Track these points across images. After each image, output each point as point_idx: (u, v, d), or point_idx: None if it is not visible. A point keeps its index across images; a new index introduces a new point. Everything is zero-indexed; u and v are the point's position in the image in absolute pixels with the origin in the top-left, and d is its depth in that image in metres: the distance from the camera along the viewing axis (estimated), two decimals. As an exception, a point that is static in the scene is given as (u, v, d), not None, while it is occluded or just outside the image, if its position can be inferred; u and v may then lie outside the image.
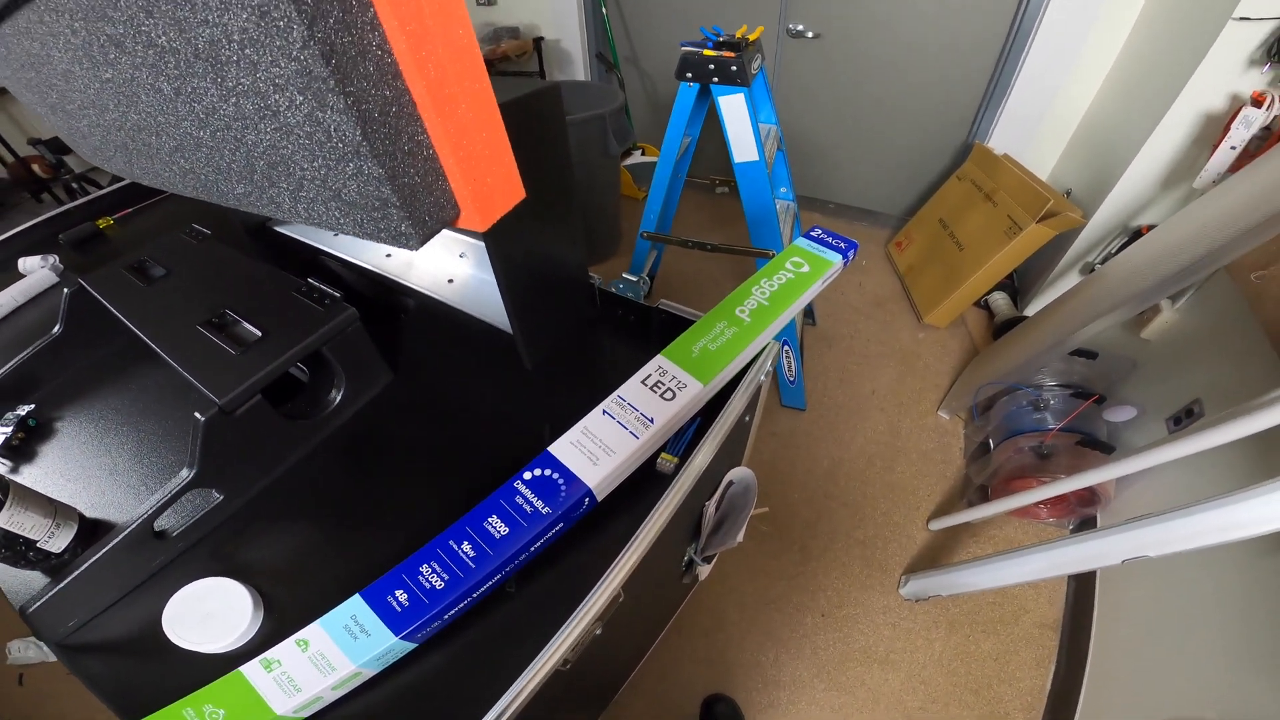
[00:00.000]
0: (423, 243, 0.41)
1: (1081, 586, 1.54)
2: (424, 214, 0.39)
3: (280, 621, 0.61)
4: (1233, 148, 1.49)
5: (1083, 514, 1.66)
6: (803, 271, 0.78)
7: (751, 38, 1.53)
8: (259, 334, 0.72)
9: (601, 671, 1.07)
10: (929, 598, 1.55)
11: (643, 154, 3.13)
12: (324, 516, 0.72)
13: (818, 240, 0.82)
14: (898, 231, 2.82)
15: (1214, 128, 1.62)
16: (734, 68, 1.40)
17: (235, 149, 0.43)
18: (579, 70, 3.19)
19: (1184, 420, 1.43)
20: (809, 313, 2.39)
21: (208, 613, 0.59)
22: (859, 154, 2.90)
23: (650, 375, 0.68)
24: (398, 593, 0.54)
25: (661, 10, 2.90)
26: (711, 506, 0.90)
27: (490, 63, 2.78)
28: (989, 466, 1.69)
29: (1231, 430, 0.96)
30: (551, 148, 0.64)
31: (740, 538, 0.97)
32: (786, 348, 1.85)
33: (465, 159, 0.38)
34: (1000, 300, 2.32)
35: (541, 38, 3.09)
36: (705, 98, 1.54)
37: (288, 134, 0.36)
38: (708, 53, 1.42)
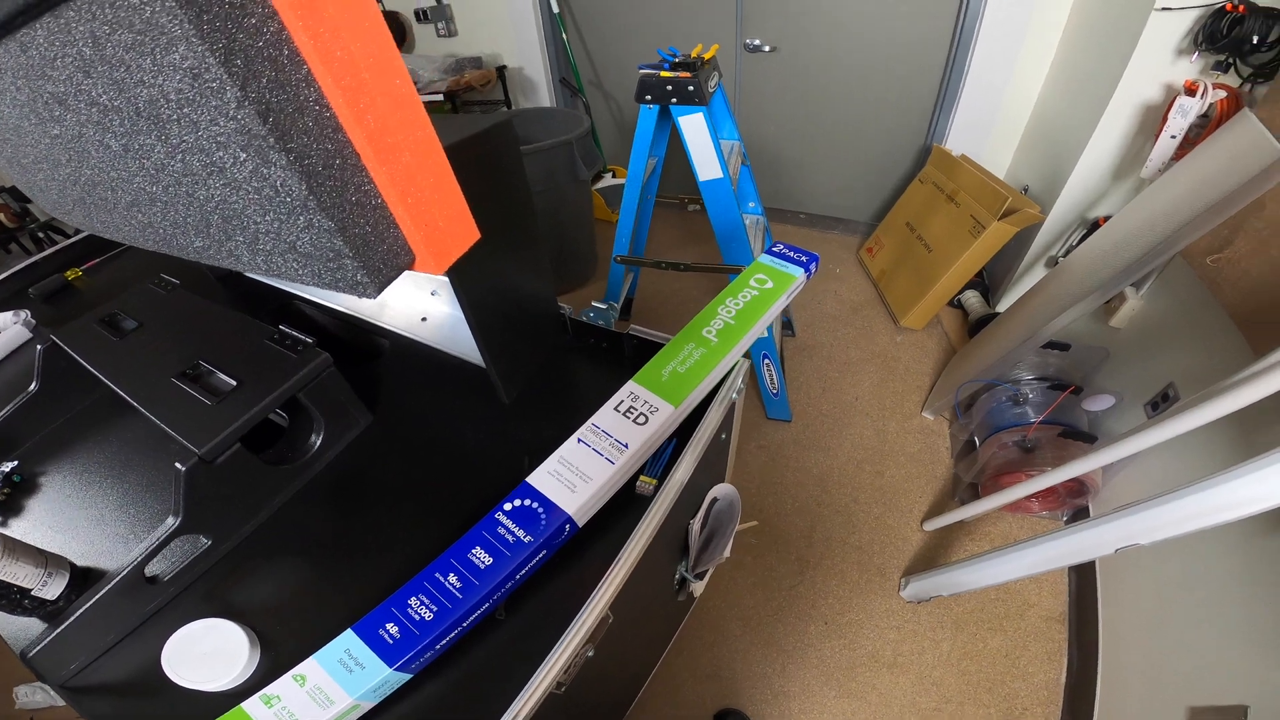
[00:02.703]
0: (379, 290, 0.41)
1: (1083, 578, 1.54)
2: (378, 262, 0.40)
3: (277, 658, 0.62)
4: (1173, 136, 1.52)
5: (1074, 505, 1.67)
6: (767, 288, 0.79)
7: (707, 56, 1.56)
8: (234, 383, 0.73)
9: (602, 693, 1.06)
10: (930, 598, 1.54)
11: (614, 176, 3.17)
12: (314, 555, 0.74)
13: (779, 255, 0.84)
14: (868, 237, 2.87)
15: (1154, 118, 1.66)
16: (690, 87, 1.42)
17: (189, 204, 0.43)
18: (544, 96, 3.23)
19: (1161, 405, 1.45)
20: (788, 324, 2.42)
21: (205, 652, 0.60)
22: (824, 163, 2.96)
23: (623, 401, 0.69)
24: (389, 625, 0.56)
25: (621, 33, 2.96)
26: (696, 524, 0.90)
27: (453, 93, 2.80)
28: (976, 464, 1.70)
29: (1207, 412, 0.98)
30: (508, 181, 0.65)
31: (728, 552, 0.97)
32: (768, 361, 1.87)
33: (414, 206, 0.38)
34: (973, 298, 2.35)
35: (505, 66, 3.13)
36: (667, 118, 1.57)
37: (236, 189, 0.36)
38: (664, 74, 1.44)
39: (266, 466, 0.76)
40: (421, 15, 3.09)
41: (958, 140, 2.49)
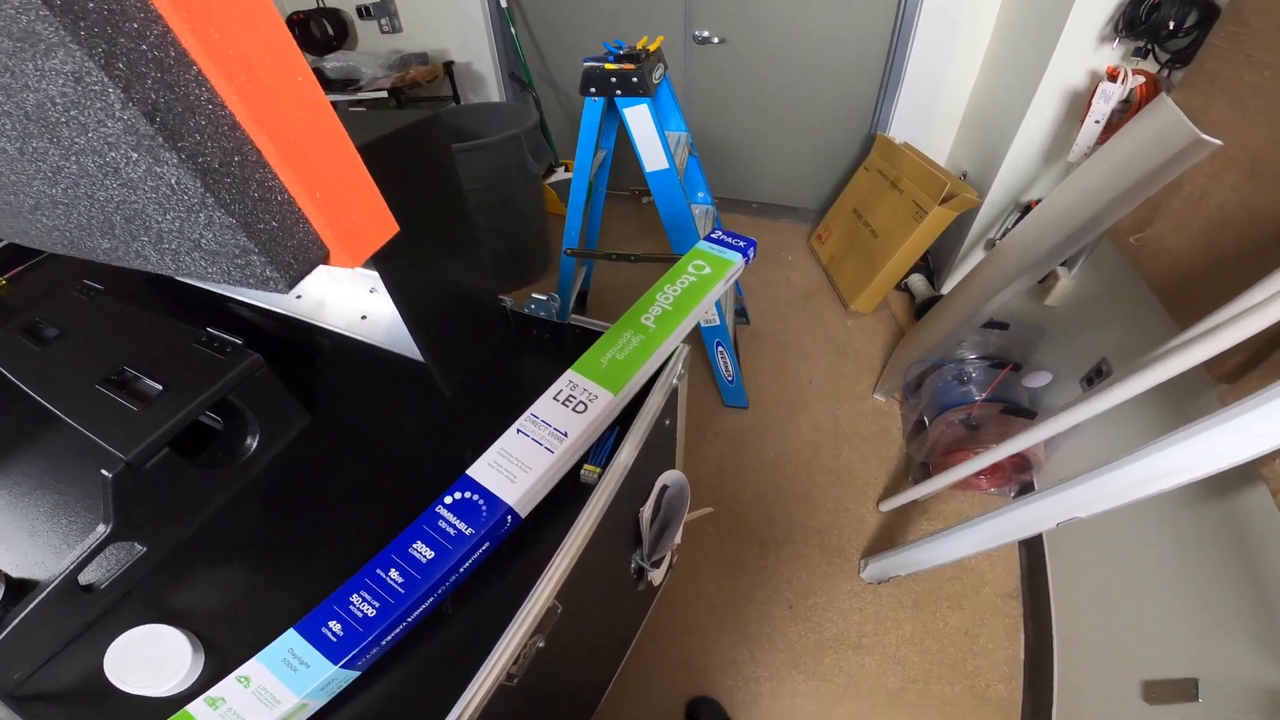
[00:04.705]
0: (291, 286, 0.41)
1: (1032, 553, 1.58)
2: (288, 257, 0.39)
3: (223, 662, 0.62)
4: (1096, 122, 1.59)
5: (1020, 481, 1.72)
6: (705, 273, 0.81)
7: (652, 48, 1.57)
8: (160, 388, 0.71)
9: (566, 683, 1.07)
10: (890, 578, 1.57)
11: (566, 170, 3.16)
12: (256, 557, 0.73)
13: (718, 241, 0.85)
14: (818, 225, 2.92)
15: (1079, 103, 1.73)
16: (635, 79, 1.43)
17: (90, 205, 0.42)
18: (493, 91, 3.19)
19: (1095, 380, 1.51)
20: (742, 312, 2.45)
21: (148, 658, 0.60)
22: (774, 152, 3.00)
23: (561, 390, 0.70)
24: (331, 624, 0.56)
25: (570, 27, 2.94)
26: (647, 511, 0.91)
27: (399, 90, 2.75)
28: (926, 443, 1.75)
29: (1134, 385, 1.03)
30: (437, 175, 0.65)
31: (678, 539, 0.99)
32: (721, 349, 1.89)
33: (324, 201, 0.38)
34: (918, 282, 2.43)
35: (452, 62, 3.08)
36: (614, 111, 1.57)
37: (134, 189, 0.36)
38: (609, 66, 1.44)
39: (199, 470, 0.74)
40: (364, 11, 3.02)
41: (900, 128, 2.56)
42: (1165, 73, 1.55)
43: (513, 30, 2.92)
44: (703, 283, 0.79)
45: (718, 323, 1.79)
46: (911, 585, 1.58)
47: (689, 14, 2.69)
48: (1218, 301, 1.03)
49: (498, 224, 2.41)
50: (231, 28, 0.31)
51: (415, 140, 0.59)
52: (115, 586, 0.68)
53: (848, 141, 2.81)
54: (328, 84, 2.86)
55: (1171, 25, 1.45)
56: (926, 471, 1.76)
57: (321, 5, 3.03)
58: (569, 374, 0.71)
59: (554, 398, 0.69)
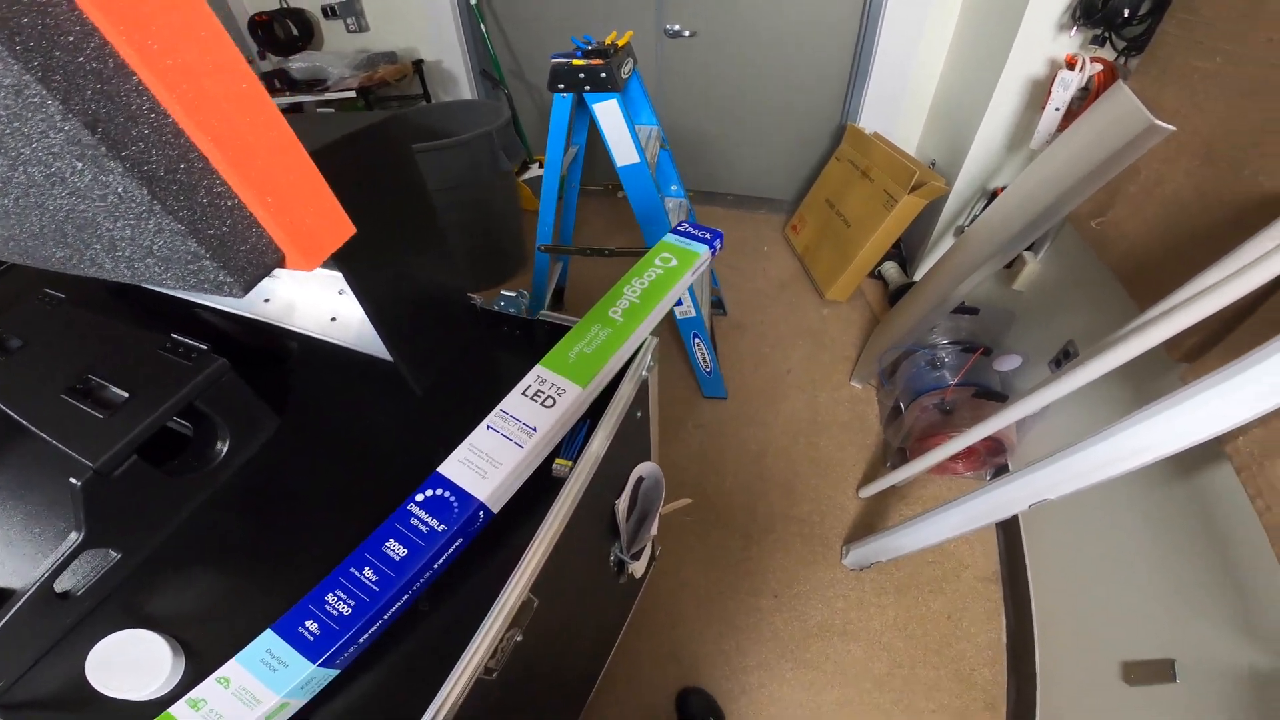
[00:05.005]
0: (245, 290, 0.42)
1: (1009, 536, 1.60)
2: (241, 262, 0.40)
3: (203, 665, 0.62)
4: (1056, 109, 1.61)
5: (995, 464, 1.74)
6: (671, 266, 0.82)
7: (620, 43, 1.57)
8: (126, 395, 0.71)
9: (549, 677, 1.08)
10: (871, 565, 1.59)
11: (540, 166, 3.15)
12: (232, 560, 0.74)
13: (684, 234, 0.86)
14: (792, 215, 2.95)
15: (1040, 92, 1.76)
16: (603, 74, 1.43)
17: (41, 215, 0.42)
18: (465, 89, 3.17)
19: (1063, 362, 1.54)
20: (719, 304, 2.47)
21: (128, 663, 0.60)
22: (747, 144, 3.02)
23: (530, 385, 0.70)
24: (308, 623, 0.56)
25: (540, 23, 2.93)
26: (623, 503, 0.92)
27: (367, 89, 2.72)
28: (903, 429, 1.77)
29: (1098, 366, 1.05)
30: (398, 176, 0.65)
31: (654, 530, 1.01)
32: (698, 340, 1.90)
33: (276, 205, 0.39)
34: (891, 269, 2.46)
35: (421, 60, 3.05)
36: (584, 107, 1.57)
37: (82, 198, 0.36)
38: (577, 62, 1.44)
39: (170, 477, 0.74)
40: (329, 11, 2.98)
41: (870, 118, 2.59)
42: (1122, 60, 1.57)
43: (483, 27, 2.90)
44: (669, 275, 0.80)
45: (693, 315, 1.81)
46: (893, 571, 1.59)
47: (660, 8, 2.70)
48: (1175, 284, 1.06)
49: (472, 222, 2.40)
50: (170, 38, 0.31)
51: (374, 142, 0.59)
52: (92, 593, 0.68)
53: (819, 132, 2.83)
54: (294, 85, 2.82)
55: (1126, 13, 1.48)
56: (904, 457, 1.78)
57: (285, 6, 2.99)
58: (537, 369, 0.72)
59: (523, 393, 0.70)
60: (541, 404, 0.68)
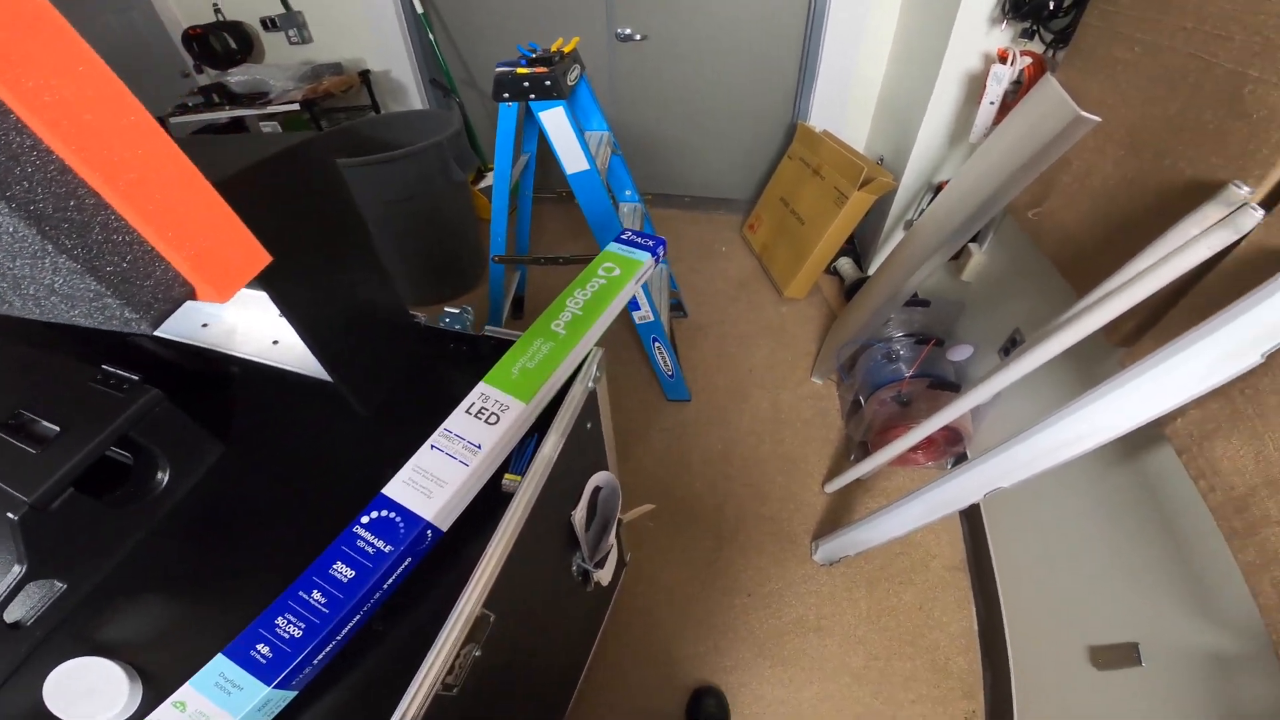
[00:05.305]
0: (156, 325, 0.41)
1: (973, 524, 1.62)
2: (146, 297, 0.39)
3: (160, 690, 0.62)
4: (991, 103, 1.65)
5: (954, 452, 1.77)
6: (614, 275, 0.82)
7: (566, 49, 1.56)
8: (57, 429, 0.70)
9: (521, 688, 1.07)
10: (840, 559, 1.60)
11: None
12: (184, 586, 0.74)
13: (628, 242, 0.87)
14: (749, 214, 2.98)
15: (977, 86, 1.79)
16: (548, 82, 1.42)
17: (-62, 255, 0.41)
18: (415, 99, 3.12)
19: (1011, 349, 1.57)
20: (679, 306, 2.48)
21: (86, 690, 0.61)
22: (703, 146, 3.04)
23: (474, 403, 0.70)
24: (259, 646, 0.56)
25: (491, 30, 2.90)
26: (579, 514, 0.92)
27: (311, 101, 2.66)
28: (863, 422, 1.79)
29: (1041, 354, 1.08)
30: (322, 197, 0.64)
31: (612, 538, 1.01)
32: (658, 344, 1.91)
33: (178, 239, 0.38)
34: (846, 265, 2.50)
35: (368, 70, 3.00)
36: (532, 115, 1.56)
37: (-28, 239, 0.35)
38: (521, 71, 1.44)
39: (110, 507, 0.74)
40: (269, 23, 2.90)
41: (820, 116, 2.63)
42: (1050, 53, 1.61)
43: (431, 35, 2.86)
44: (612, 285, 0.81)
45: (652, 319, 1.81)
46: (862, 564, 1.61)
47: (610, 12, 2.70)
48: (1109, 271, 1.08)
49: (427, 234, 2.37)
50: (45, 74, 0.30)
51: (293, 164, 0.58)
52: (42, 622, 0.68)
53: (772, 131, 2.87)
54: (234, 99, 2.74)
55: (1052, 5, 1.51)
56: (866, 450, 1.80)
57: (221, 19, 2.91)
58: (481, 386, 0.71)
59: (466, 411, 0.69)
60: (485, 421, 0.68)
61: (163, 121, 2.86)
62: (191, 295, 0.41)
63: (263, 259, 0.43)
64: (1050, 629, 1.26)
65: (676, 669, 1.46)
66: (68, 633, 0.69)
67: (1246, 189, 0.88)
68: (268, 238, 0.44)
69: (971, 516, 1.64)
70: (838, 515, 1.74)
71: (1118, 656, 1.02)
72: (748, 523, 1.75)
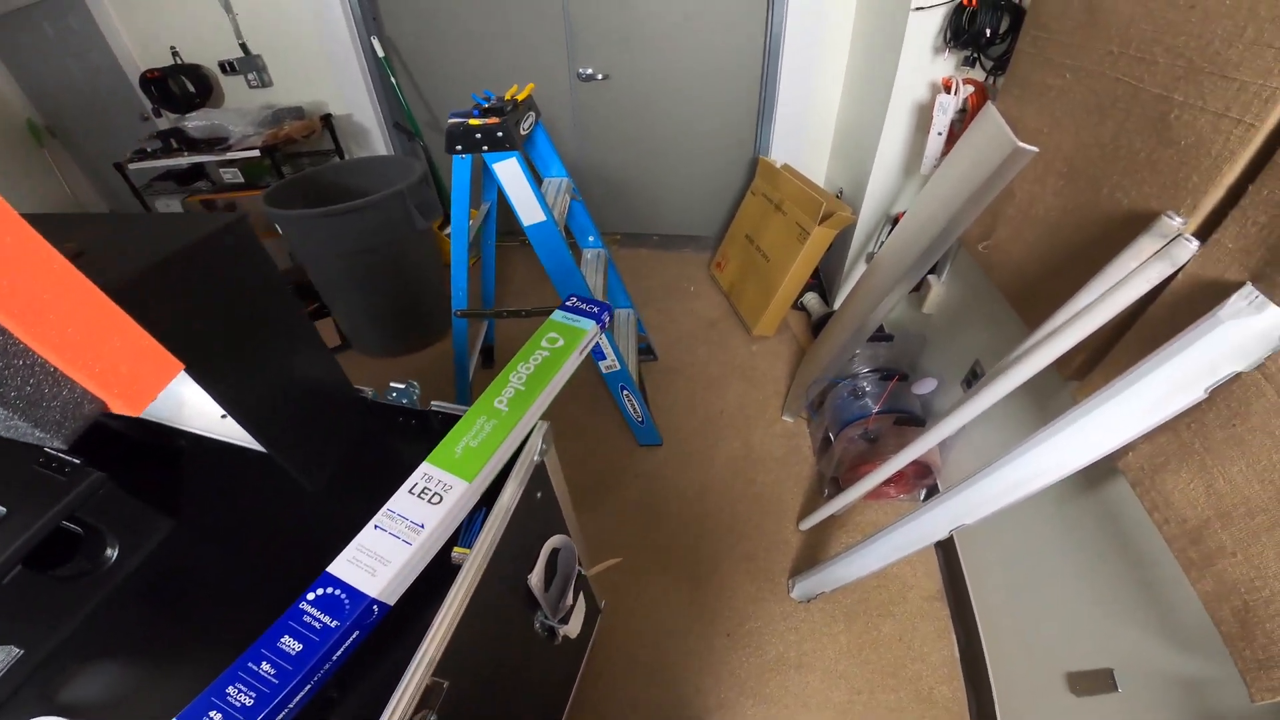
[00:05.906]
0: (69, 441, 0.40)
1: (948, 555, 1.62)
2: (54, 417, 0.38)
3: None
4: (939, 133, 1.64)
5: (925, 485, 1.77)
6: (558, 346, 0.82)
7: (520, 97, 1.57)
8: (4, 510, 0.72)
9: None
10: (817, 595, 1.59)
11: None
12: (139, 652, 0.77)
13: (572, 309, 0.87)
14: (716, 252, 3.01)
15: (926, 116, 1.77)
16: (499, 133, 1.42)
17: None
18: (379, 143, 3.13)
19: (973, 381, 1.57)
20: (648, 350, 2.46)
21: None
22: (668, 183, 3.08)
23: (417, 483, 0.70)
24: (212, 714, 0.56)
25: (453, 72, 2.93)
26: (535, 578, 0.91)
27: (272, 147, 2.65)
28: (834, 459, 1.79)
29: (997, 390, 1.07)
30: (247, 280, 0.64)
31: (569, 599, 1.01)
32: (626, 392, 1.89)
33: (79, 358, 0.37)
34: (812, 300, 2.53)
35: (330, 114, 3.00)
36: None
37: None
38: (474, 122, 1.43)
39: (59, 582, 0.77)
40: (228, 67, 2.90)
41: (780, 151, 2.68)
42: (990, 80, 1.59)
43: (393, 79, 2.88)
44: (556, 356, 0.81)
45: (618, 368, 1.80)
46: (840, 598, 1.60)
47: (571, 53, 2.74)
48: (1057, 303, 1.06)
49: (390, 285, 2.34)
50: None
51: (207, 254, 0.58)
52: (2, 684, 0.71)
53: (735, 168, 2.92)
54: (192, 145, 2.71)
55: (989, 33, 1.48)
56: (838, 487, 1.79)
57: (179, 62, 2.90)
58: (424, 466, 0.71)
59: (409, 491, 0.69)
60: (429, 501, 0.68)
61: (120, 168, 2.83)
62: (103, 409, 0.40)
63: (173, 368, 0.43)
64: (1029, 656, 1.25)
65: (658, 712, 1.44)
66: (28, 694, 0.71)
67: (1179, 219, 0.87)
68: (182, 334, 0.44)
69: (946, 546, 1.64)
70: (814, 551, 1.74)
71: (1095, 683, 1.02)
72: (724, 563, 1.73)
